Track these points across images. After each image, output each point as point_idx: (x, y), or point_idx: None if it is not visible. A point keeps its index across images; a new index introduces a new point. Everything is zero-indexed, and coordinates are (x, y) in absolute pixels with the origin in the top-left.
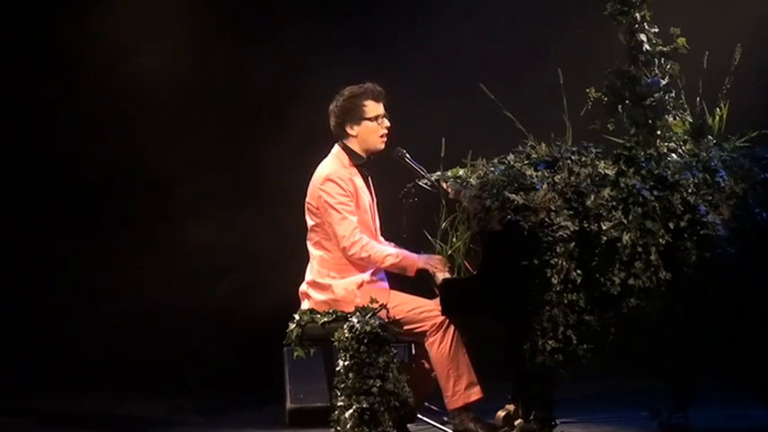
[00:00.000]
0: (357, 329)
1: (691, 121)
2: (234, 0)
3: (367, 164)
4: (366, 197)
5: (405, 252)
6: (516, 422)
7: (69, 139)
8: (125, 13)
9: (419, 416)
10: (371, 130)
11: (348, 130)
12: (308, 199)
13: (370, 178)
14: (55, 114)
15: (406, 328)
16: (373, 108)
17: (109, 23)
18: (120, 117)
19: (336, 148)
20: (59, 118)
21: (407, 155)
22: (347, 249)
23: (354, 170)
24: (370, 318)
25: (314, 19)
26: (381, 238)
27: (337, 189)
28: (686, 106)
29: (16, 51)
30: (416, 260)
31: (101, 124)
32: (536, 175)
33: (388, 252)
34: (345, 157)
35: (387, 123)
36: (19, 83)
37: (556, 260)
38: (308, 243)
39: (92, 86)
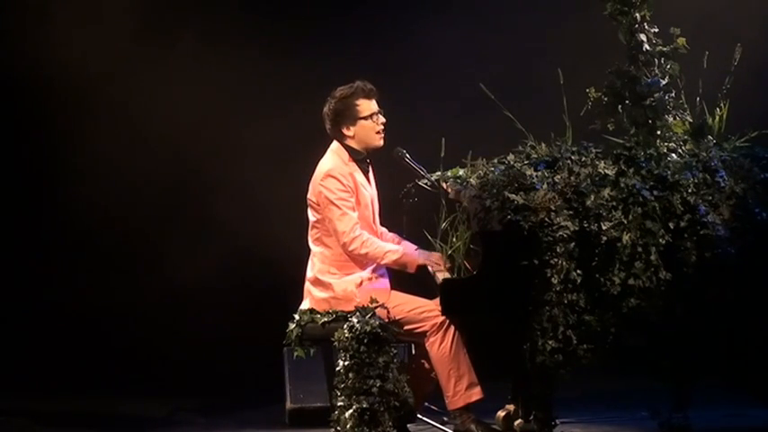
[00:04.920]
0: (357, 329)
1: (691, 121)
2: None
3: (366, 158)
4: (366, 193)
5: (405, 249)
6: (516, 422)
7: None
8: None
9: (419, 416)
10: (368, 128)
11: (344, 131)
12: (309, 195)
13: (371, 171)
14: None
15: (406, 328)
16: (366, 106)
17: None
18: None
19: (335, 144)
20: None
21: (407, 155)
22: (347, 245)
23: (354, 165)
24: (370, 318)
25: (309, 14)
26: (384, 229)
27: (337, 185)
28: (686, 106)
29: None
30: (416, 257)
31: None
32: (536, 175)
33: (389, 248)
34: (345, 153)
35: (382, 120)
36: None
37: (556, 260)
38: (309, 239)
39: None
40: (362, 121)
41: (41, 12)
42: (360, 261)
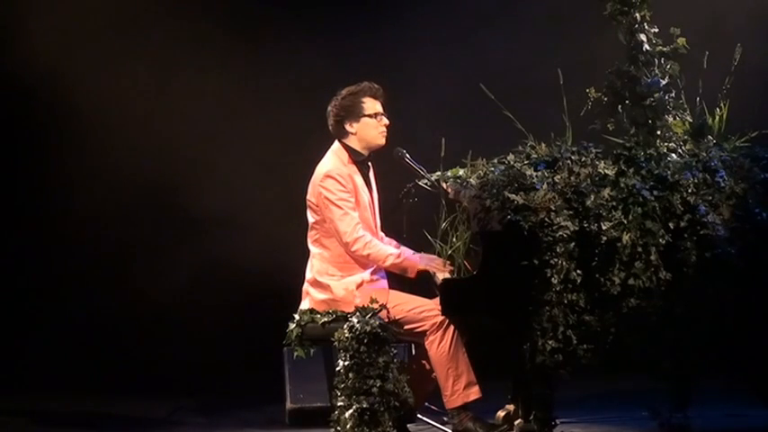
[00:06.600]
0: (357, 329)
1: (691, 121)
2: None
3: (366, 160)
4: (365, 195)
5: (406, 252)
6: (516, 422)
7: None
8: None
9: (419, 416)
10: (371, 126)
11: (347, 127)
12: (308, 196)
13: (371, 174)
14: None
15: (405, 327)
16: (371, 105)
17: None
18: None
19: (336, 145)
20: None
21: (407, 155)
22: (350, 245)
23: (354, 167)
24: (370, 318)
25: (309, 15)
26: (382, 234)
27: (337, 186)
28: (686, 106)
29: None
30: (417, 261)
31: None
32: (536, 175)
33: (390, 252)
34: (345, 154)
35: (386, 121)
36: None
37: (556, 260)
38: (308, 240)
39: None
40: (366, 119)
41: (24, 17)
42: (361, 262)
